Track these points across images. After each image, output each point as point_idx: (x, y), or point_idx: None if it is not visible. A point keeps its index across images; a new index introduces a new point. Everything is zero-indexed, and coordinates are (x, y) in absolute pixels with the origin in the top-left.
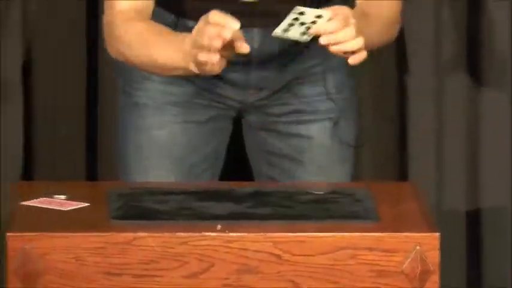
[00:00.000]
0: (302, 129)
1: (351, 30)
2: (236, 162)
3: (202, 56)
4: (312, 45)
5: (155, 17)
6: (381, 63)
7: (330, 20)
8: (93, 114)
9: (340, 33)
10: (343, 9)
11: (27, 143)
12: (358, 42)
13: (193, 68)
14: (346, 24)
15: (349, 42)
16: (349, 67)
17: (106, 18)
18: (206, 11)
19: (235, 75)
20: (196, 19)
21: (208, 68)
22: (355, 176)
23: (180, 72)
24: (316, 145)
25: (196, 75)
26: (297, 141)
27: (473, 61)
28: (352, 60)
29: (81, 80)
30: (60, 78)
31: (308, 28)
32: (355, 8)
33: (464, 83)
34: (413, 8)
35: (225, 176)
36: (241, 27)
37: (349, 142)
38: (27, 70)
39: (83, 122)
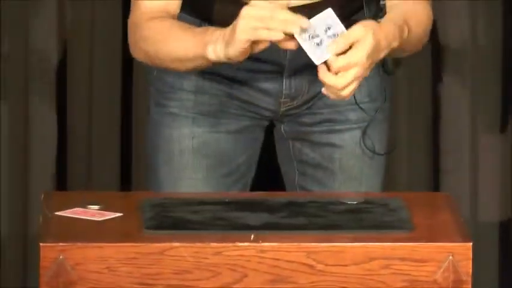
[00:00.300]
0: (334, 138)
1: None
2: (267, 172)
3: (263, 33)
4: None
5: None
6: (415, 73)
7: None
8: (127, 125)
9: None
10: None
11: (62, 153)
12: (342, 80)
13: (211, 54)
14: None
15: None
16: (383, 76)
17: (131, 19)
18: (232, 15)
19: (268, 85)
20: (221, 24)
21: (243, 50)
22: (389, 187)
23: (197, 63)
24: (347, 154)
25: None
26: (329, 151)
27: (508, 75)
28: (325, 91)
29: (116, 90)
30: (95, 88)
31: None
32: (392, 15)
33: (498, 97)
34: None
35: (256, 185)
36: None
37: (379, 151)
38: (62, 81)
39: (117, 132)
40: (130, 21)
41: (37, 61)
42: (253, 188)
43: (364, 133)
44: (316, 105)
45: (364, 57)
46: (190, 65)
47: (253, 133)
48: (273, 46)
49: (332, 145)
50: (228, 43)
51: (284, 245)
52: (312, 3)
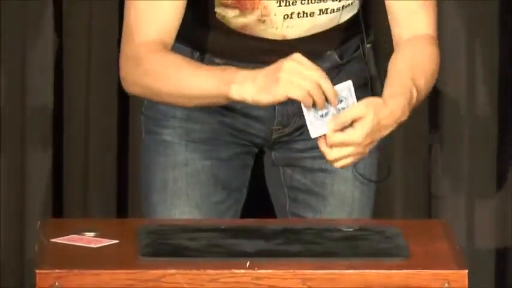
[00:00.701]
0: (326, 164)
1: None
2: (256, 197)
3: (302, 95)
4: (336, 80)
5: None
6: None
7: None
8: (123, 152)
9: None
10: (369, 105)
11: (58, 180)
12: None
13: (234, 94)
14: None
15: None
16: None
17: (125, 53)
18: (232, 48)
19: (261, 112)
20: (222, 56)
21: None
22: (386, 214)
23: (213, 101)
24: (339, 180)
25: (228, 104)
26: (320, 176)
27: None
28: (329, 156)
29: (112, 117)
30: (91, 115)
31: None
32: (398, 76)
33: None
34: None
35: (245, 210)
36: (267, 63)
37: (370, 177)
38: (57, 108)
39: (114, 159)
40: (125, 54)
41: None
42: (243, 214)
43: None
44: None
45: (361, 137)
46: (201, 102)
47: (244, 160)
48: None
49: (324, 171)
50: (262, 89)
51: (280, 272)
52: (308, 36)
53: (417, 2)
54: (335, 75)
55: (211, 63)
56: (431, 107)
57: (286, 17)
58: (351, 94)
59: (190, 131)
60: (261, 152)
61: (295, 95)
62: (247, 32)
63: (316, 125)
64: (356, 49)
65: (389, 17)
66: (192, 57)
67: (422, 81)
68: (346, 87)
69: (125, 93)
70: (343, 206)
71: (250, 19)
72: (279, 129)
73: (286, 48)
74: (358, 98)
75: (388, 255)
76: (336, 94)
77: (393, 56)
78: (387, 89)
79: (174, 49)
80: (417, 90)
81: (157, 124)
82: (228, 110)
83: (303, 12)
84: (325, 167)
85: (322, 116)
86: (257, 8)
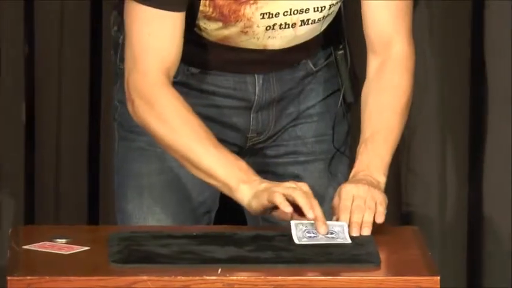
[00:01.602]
0: (298, 169)
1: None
2: (228, 204)
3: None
4: (309, 87)
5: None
6: None
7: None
8: (95, 159)
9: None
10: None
11: (30, 187)
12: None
13: (240, 193)
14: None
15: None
16: (346, 107)
17: (131, 81)
18: (208, 58)
19: (236, 120)
20: (197, 66)
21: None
22: None
23: (213, 184)
24: (312, 186)
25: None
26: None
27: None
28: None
29: (83, 124)
30: (63, 120)
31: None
32: (372, 125)
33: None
34: None
35: (217, 219)
36: (245, 73)
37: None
38: (30, 108)
39: (85, 166)
40: (131, 83)
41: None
42: (215, 221)
43: (329, 165)
44: (282, 138)
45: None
46: (202, 178)
47: None
48: (242, 82)
49: (296, 176)
50: (255, 196)
51: (251, 278)
52: (288, 47)
53: (395, 3)
54: (308, 82)
55: (186, 72)
56: None
57: (268, 28)
58: (344, 234)
59: None
60: None
61: (277, 199)
62: (227, 43)
63: (300, 236)
64: (328, 56)
65: (364, 18)
66: (190, 72)
67: (393, 136)
68: (341, 226)
69: (95, 102)
70: None
71: (233, 31)
72: (253, 137)
73: (265, 58)
74: (330, 105)
75: (359, 262)
76: (324, 221)
77: (364, 100)
78: (360, 165)
79: None
80: (390, 145)
81: (131, 131)
82: (204, 118)
83: (285, 23)
84: (297, 173)
85: (310, 237)
86: (240, 20)
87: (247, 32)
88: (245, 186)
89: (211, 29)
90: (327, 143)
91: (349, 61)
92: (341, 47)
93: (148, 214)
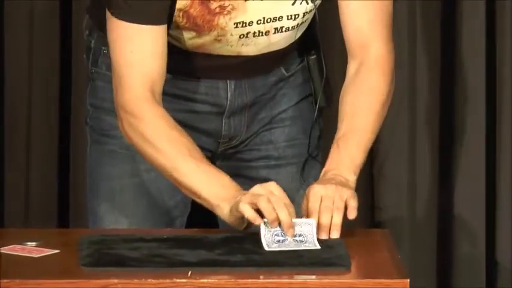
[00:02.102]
0: (270, 173)
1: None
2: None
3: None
4: (281, 92)
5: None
6: None
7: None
8: (65, 162)
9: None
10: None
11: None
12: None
13: (220, 210)
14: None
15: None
16: (317, 112)
17: (118, 97)
18: (181, 65)
19: (208, 125)
20: (169, 72)
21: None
22: None
23: (197, 200)
24: (283, 189)
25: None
26: None
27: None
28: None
29: (54, 126)
30: (33, 122)
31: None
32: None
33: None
34: None
35: (188, 222)
36: (217, 78)
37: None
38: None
39: (55, 169)
40: (121, 106)
41: None
42: (186, 224)
43: (303, 169)
44: (254, 142)
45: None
46: (187, 194)
47: None
48: (214, 88)
49: (267, 180)
50: (231, 210)
51: (221, 281)
52: (263, 55)
53: (372, 3)
54: (280, 88)
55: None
56: None
57: (242, 36)
58: (312, 236)
59: None
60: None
61: (245, 212)
62: (201, 51)
63: (270, 242)
64: (301, 61)
65: (342, 21)
66: (177, 85)
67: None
68: (310, 225)
69: (66, 104)
70: None
71: (207, 39)
72: (225, 141)
73: (239, 64)
74: (302, 110)
75: (330, 265)
76: (289, 225)
77: (340, 102)
78: (330, 164)
79: None
80: (364, 147)
81: (103, 134)
82: (177, 122)
83: (259, 31)
84: (270, 177)
85: (279, 241)
86: (214, 29)
87: (220, 40)
88: (224, 204)
89: (185, 38)
90: (298, 147)
91: (323, 66)
92: (313, 52)
93: (119, 217)
